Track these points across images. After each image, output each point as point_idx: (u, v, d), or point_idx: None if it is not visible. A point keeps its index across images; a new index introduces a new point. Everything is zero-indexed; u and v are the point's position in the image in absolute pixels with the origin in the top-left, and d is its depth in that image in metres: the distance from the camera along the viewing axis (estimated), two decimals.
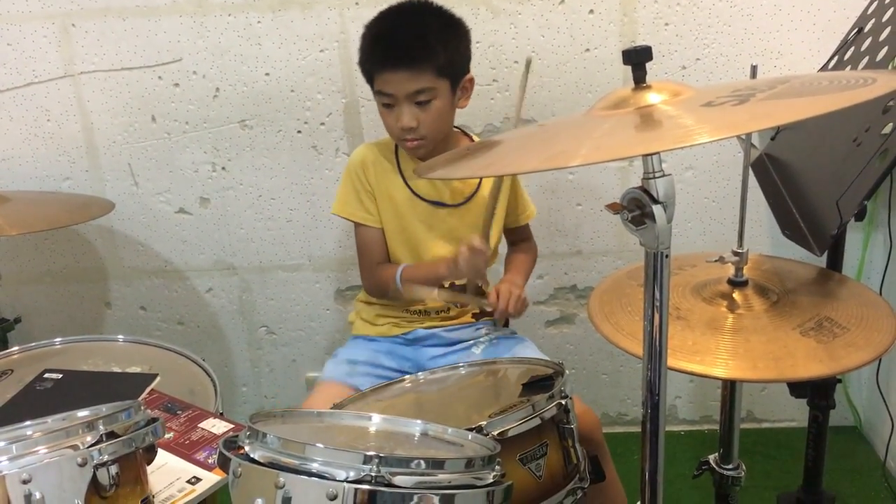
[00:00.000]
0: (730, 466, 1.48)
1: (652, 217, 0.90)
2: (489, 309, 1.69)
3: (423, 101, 1.60)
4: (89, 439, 0.99)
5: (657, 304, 0.97)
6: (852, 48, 1.65)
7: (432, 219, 1.73)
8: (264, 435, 0.95)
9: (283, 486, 0.90)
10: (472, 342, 1.75)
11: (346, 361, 1.72)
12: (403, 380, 1.53)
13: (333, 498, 0.88)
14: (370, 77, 1.64)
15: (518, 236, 1.88)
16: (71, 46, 2.08)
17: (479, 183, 1.74)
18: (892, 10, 1.55)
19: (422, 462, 0.93)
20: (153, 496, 1.13)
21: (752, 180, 1.65)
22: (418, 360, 1.73)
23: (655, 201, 0.90)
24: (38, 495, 0.94)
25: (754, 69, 1.26)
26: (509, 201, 1.80)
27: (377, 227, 1.74)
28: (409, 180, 1.71)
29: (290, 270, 2.29)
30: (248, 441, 0.97)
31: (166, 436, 1.30)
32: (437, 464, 0.94)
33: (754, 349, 1.18)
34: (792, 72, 2.04)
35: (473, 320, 1.78)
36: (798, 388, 1.57)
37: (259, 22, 2.04)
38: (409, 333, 1.77)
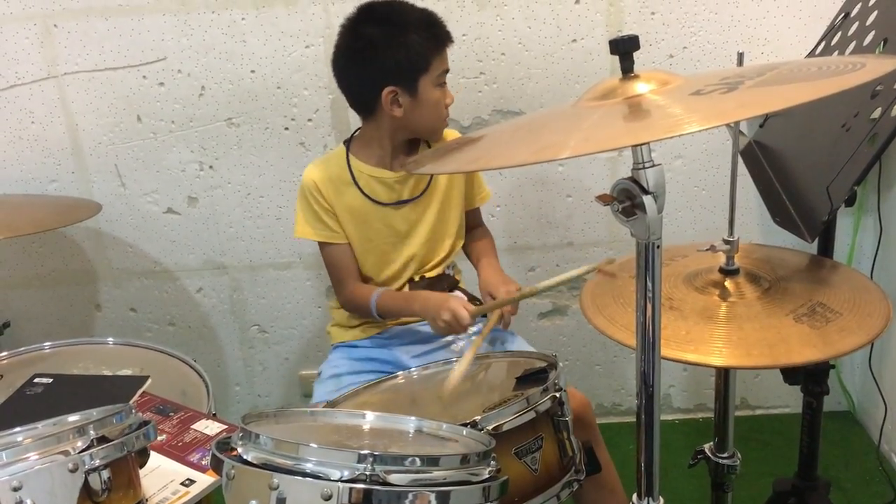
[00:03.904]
0: (725, 455, 1.48)
1: (642, 208, 0.90)
2: (500, 321, 1.65)
3: None
4: (80, 444, 0.99)
5: (649, 294, 0.96)
6: (839, 33, 1.65)
7: (395, 219, 1.72)
8: (257, 436, 0.95)
9: (278, 487, 0.89)
10: (451, 338, 1.74)
11: (330, 378, 1.71)
12: (397, 376, 1.53)
13: (328, 498, 0.88)
14: (426, 64, 1.59)
15: (472, 220, 1.87)
16: (53, 47, 2.06)
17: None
18: None
19: (416, 459, 0.92)
20: (147, 500, 1.12)
21: (742, 168, 1.65)
22: (399, 360, 1.71)
23: (646, 192, 0.89)
24: (29, 502, 0.93)
25: (741, 56, 1.26)
26: (466, 183, 1.80)
27: (343, 243, 1.72)
28: (365, 189, 1.70)
29: (280, 268, 2.28)
30: (240, 442, 0.96)
31: (159, 438, 1.29)
32: (431, 461, 0.94)
33: (748, 337, 1.18)
34: (779, 58, 2.04)
35: None
36: (791, 374, 1.56)
37: (243, 19, 2.03)
38: (384, 332, 1.76)
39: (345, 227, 1.71)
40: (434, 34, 1.61)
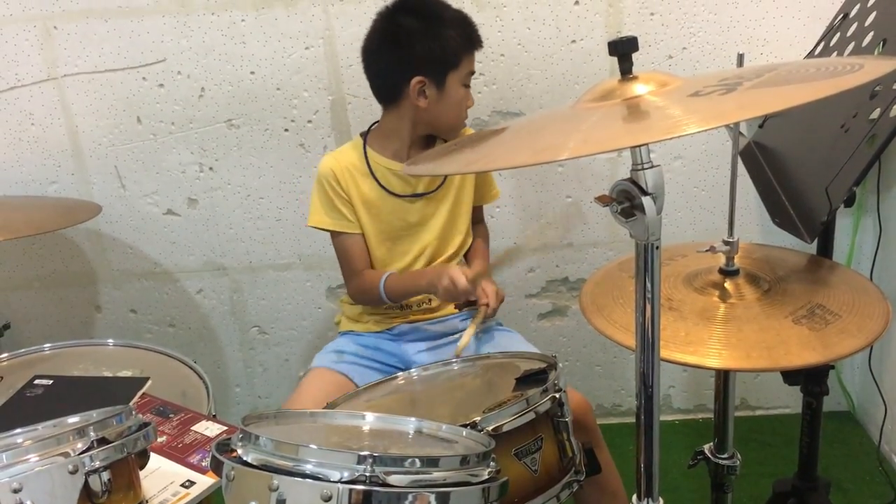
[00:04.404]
0: (725, 456, 1.48)
1: (641, 209, 0.90)
2: (485, 316, 1.71)
3: None
4: (80, 446, 0.99)
5: (649, 295, 0.96)
6: (838, 34, 1.65)
7: (410, 212, 1.74)
8: (257, 437, 0.95)
9: (277, 488, 0.90)
10: (456, 336, 1.75)
11: (333, 351, 1.74)
12: (397, 377, 1.53)
13: (328, 499, 0.88)
14: (457, 61, 1.63)
15: (474, 216, 1.88)
16: (53, 49, 2.06)
17: None
18: None
19: (416, 460, 0.92)
20: (147, 501, 1.12)
21: (741, 168, 1.65)
22: (404, 355, 1.75)
23: (645, 193, 0.89)
24: None
25: (741, 57, 1.26)
26: (478, 180, 1.82)
27: (356, 234, 1.74)
28: (381, 180, 1.71)
29: (280, 270, 2.28)
30: (240, 444, 0.96)
31: (159, 440, 1.29)
32: (431, 462, 0.94)
33: (747, 338, 1.18)
34: (779, 59, 2.04)
35: (456, 311, 1.79)
36: (791, 375, 1.57)
37: (243, 20, 2.03)
38: (393, 329, 1.78)
39: (359, 217, 1.73)
40: (468, 34, 1.65)
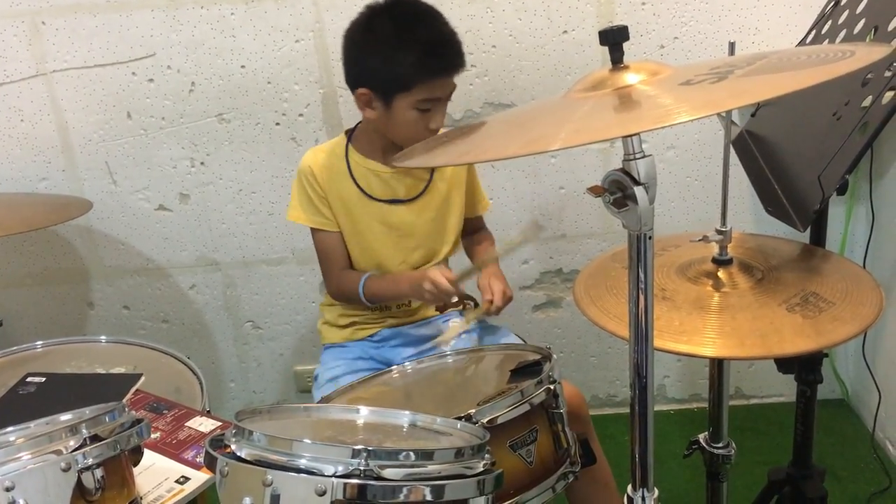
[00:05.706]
0: (719, 445, 1.48)
1: (634, 199, 0.89)
2: (486, 312, 1.63)
3: (448, 100, 1.58)
4: (73, 443, 0.98)
5: (642, 285, 0.96)
6: (830, 21, 1.65)
7: (389, 217, 1.69)
8: (250, 433, 0.94)
9: (271, 483, 0.89)
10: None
11: (328, 381, 1.67)
12: (391, 370, 1.53)
13: (322, 493, 0.87)
14: (408, 85, 1.51)
15: (474, 226, 1.85)
16: (42, 44, 2.05)
17: (431, 175, 1.71)
18: None
19: (410, 454, 0.92)
20: (141, 498, 1.12)
21: (734, 158, 1.65)
22: (392, 361, 1.69)
23: (637, 183, 0.89)
24: (22, 502, 0.93)
25: (732, 46, 1.25)
26: (466, 192, 1.77)
27: (335, 231, 1.70)
28: (360, 182, 1.67)
29: (273, 264, 2.27)
30: (234, 439, 0.96)
31: (153, 436, 1.29)
32: (426, 455, 0.94)
33: (741, 327, 1.18)
34: (770, 47, 2.04)
35: (438, 313, 1.76)
36: (785, 363, 1.57)
37: (232, 14, 2.02)
38: (374, 335, 1.74)
39: (338, 217, 1.69)
40: (430, 63, 1.51)
